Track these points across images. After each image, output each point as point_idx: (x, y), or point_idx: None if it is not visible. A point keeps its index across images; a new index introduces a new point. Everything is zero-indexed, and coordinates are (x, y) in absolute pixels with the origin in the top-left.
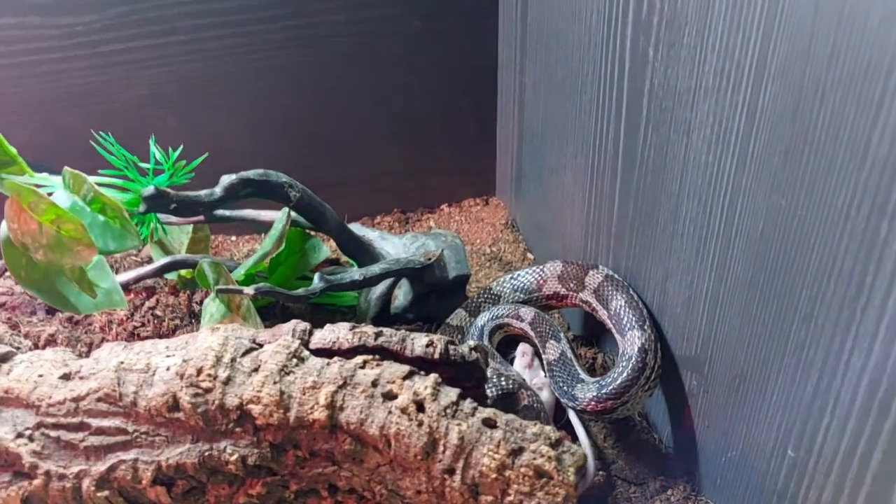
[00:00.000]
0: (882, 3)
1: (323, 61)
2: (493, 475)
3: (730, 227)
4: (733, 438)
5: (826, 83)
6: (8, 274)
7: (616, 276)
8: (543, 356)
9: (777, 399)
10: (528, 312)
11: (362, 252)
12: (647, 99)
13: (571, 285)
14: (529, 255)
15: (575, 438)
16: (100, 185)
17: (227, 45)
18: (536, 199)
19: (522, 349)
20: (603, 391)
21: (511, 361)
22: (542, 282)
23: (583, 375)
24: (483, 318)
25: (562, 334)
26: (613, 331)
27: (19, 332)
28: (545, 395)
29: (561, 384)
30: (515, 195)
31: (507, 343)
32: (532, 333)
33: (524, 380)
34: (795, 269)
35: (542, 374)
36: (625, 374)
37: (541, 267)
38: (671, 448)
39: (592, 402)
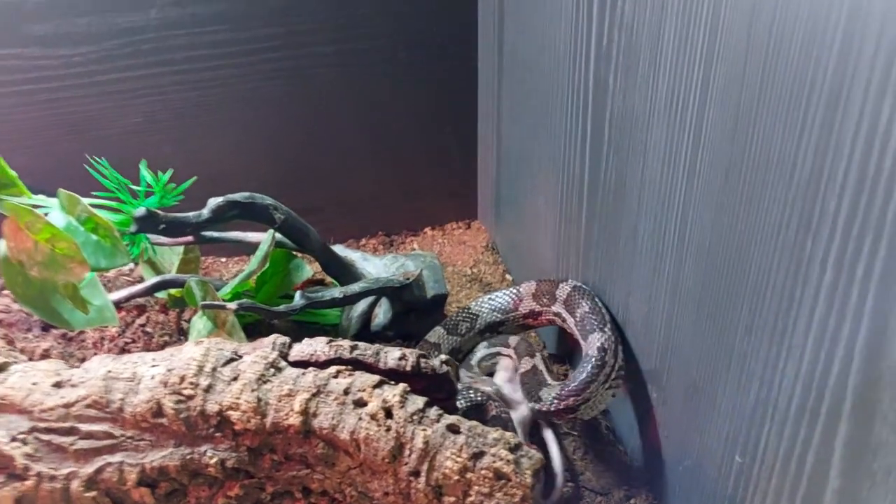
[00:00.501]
0: (801, 36)
1: (310, 91)
2: (456, 477)
3: (681, 245)
4: (689, 448)
5: (758, 108)
6: (5, 292)
7: (584, 286)
8: (519, 370)
9: (725, 408)
10: (514, 339)
11: (345, 272)
12: (608, 124)
13: (545, 300)
14: (508, 277)
15: (548, 452)
16: (93, 206)
17: (219, 76)
18: (514, 222)
19: (504, 364)
20: (565, 390)
21: (492, 374)
22: (517, 301)
23: (549, 381)
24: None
25: (537, 353)
26: (578, 337)
27: (15, 347)
28: (523, 410)
29: (529, 389)
30: (495, 219)
31: None
32: (513, 355)
33: (500, 393)
34: (737, 284)
35: (520, 390)
36: (585, 373)
37: (517, 287)
38: (635, 459)
39: (555, 401)
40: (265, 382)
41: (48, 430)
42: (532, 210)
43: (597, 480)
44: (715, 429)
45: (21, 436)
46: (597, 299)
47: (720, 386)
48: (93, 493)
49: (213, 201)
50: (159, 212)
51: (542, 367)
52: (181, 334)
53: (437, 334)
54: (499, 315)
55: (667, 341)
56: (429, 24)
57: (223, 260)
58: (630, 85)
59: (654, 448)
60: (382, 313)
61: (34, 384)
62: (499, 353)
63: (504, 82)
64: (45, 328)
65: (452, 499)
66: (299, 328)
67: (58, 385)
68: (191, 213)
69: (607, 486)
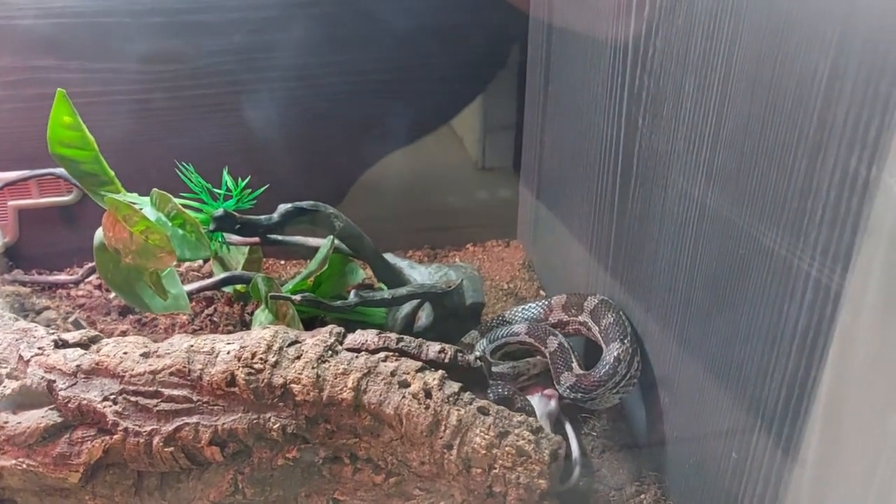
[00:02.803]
0: (793, 91)
1: (367, 114)
2: (483, 452)
3: (693, 267)
4: (694, 447)
5: (758, 152)
6: (88, 280)
7: (609, 300)
8: (546, 350)
9: (724, 409)
10: (521, 327)
11: (393, 278)
12: (636, 159)
13: (573, 311)
14: (542, 293)
15: (568, 446)
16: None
17: (293, 97)
18: (549, 243)
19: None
20: (578, 385)
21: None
22: (548, 311)
23: (574, 365)
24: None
25: (557, 332)
26: (602, 343)
27: (96, 328)
28: (552, 406)
29: (557, 368)
30: (533, 239)
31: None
32: (531, 340)
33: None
34: (738, 300)
35: (549, 386)
36: (597, 377)
37: (548, 299)
38: (647, 457)
39: (568, 390)
40: (324, 362)
41: (136, 393)
42: (566, 232)
43: (611, 476)
44: (716, 429)
45: (112, 396)
46: (621, 312)
47: (721, 390)
48: (171, 449)
49: (283, 207)
50: (235, 213)
51: (567, 345)
52: (244, 325)
53: (471, 336)
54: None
55: (679, 351)
56: (482, 65)
57: (282, 262)
58: (656, 126)
59: (664, 447)
60: (425, 316)
61: (125, 353)
62: (508, 343)
63: (547, 117)
64: (122, 313)
65: (479, 470)
66: (349, 326)
67: (145, 355)
68: (263, 217)
69: (620, 482)
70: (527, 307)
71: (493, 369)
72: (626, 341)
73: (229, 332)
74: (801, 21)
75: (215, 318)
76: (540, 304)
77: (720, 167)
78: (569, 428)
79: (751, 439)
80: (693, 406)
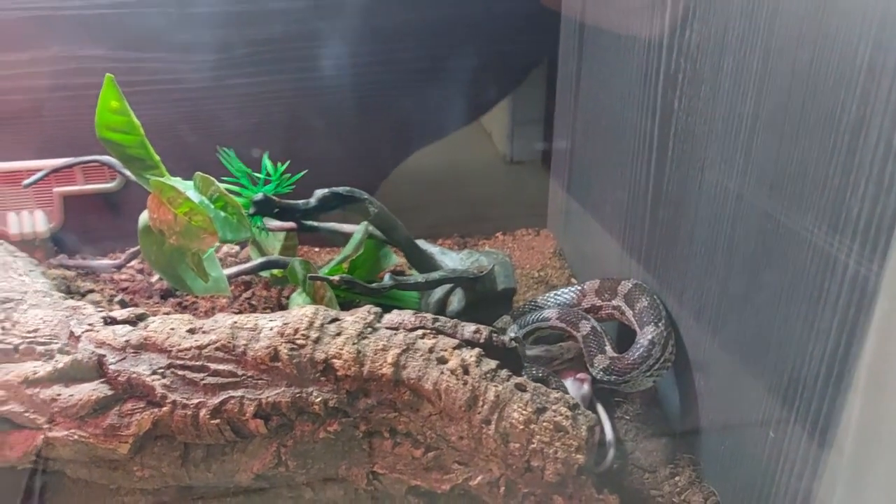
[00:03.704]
0: (835, 67)
1: (403, 104)
2: (521, 427)
3: (730, 250)
4: (730, 430)
5: (799, 131)
6: (130, 264)
7: (644, 284)
8: (579, 333)
9: (761, 392)
10: (552, 312)
11: (425, 263)
12: (672, 142)
13: (606, 296)
14: (573, 281)
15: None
16: None
17: (329, 85)
18: (581, 230)
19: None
20: (611, 367)
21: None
22: (581, 297)
23: (607, 348)
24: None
25: (589, 316)
26: (636, 326)
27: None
28: (585, 390)
29: (590, 350)
30: (564, 227)
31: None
32: (562, 324)
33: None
34: (776, 282)
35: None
36: (631, 360)
37: (582, 285)
38: (681, 440)
39: (602, 373)
40: (364, 338)
41: (183, 367)
42: (599, 218)
43: (645, 459)
44: (752, 411)
45: (160, 370)
46: (655, 296)
47: (758, 373)
48: (217, 421)
49: (320, 192)
50: (274, 198)
51: (599, 329)
52: (281, 309)
53: (503, 321)
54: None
55: (714, 335)
56: (513, 52)
57: (316, 249)
58: (692, 108)
59: (698, 430)
60: (457, 301)
61: (172, 329)
62: (539, 329)
63: (579, 106)
64: (164, 296)
65: (517, 445)
66: (383, 309)
67: (191, 331)
68: (300, 201)
69: (654, 465)
70: (560, 292)
71: (528, 353)
72: (660, 324)
73: None
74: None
75: (253, 302)
76: (573, 289)
77: (759, 147)
78: (602, 412)
79: (788, 421)
80: (729, 389)
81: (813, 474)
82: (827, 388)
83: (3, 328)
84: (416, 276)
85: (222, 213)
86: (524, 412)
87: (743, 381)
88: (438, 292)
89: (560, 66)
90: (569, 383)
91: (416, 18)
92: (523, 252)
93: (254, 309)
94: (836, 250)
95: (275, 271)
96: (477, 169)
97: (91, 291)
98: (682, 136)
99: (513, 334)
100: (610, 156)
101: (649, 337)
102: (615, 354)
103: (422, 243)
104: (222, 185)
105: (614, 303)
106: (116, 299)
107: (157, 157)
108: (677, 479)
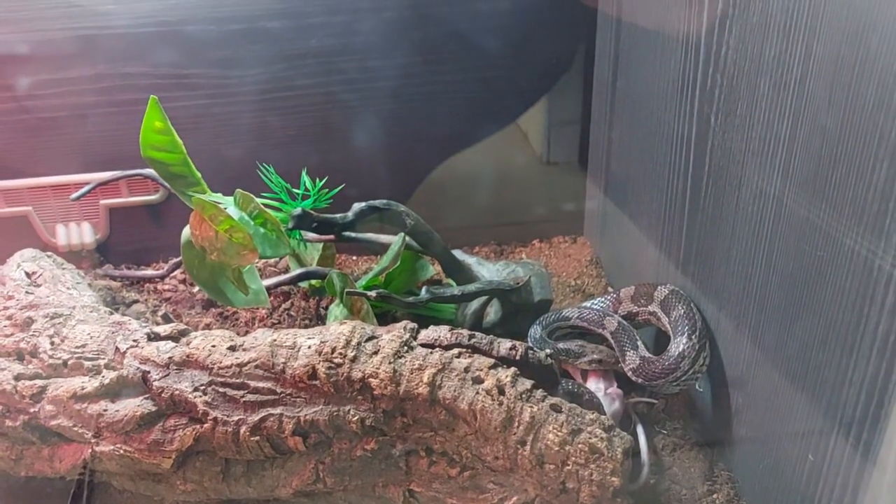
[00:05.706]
0: (874, 93)
1: (439, 114)
2: (556, 448)
3: (768, 267)
4: (769, 448)
5: (836, 155)
6: (173, 275)
7: (680, 290)
8: (605, 331)
9: (800, 413)
10: (572, 312)
11: (462, 274)
12: (708, 157)
13: (642, 301)
14: (610, 289)
15: (637, 444)
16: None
17: (365, 97)
18: (618, 239)
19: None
20: (640, 369)
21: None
22: (616, 304)
23: (639, 343)
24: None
25: (614, 314)
26: (671, 333)
27: (181, 320)
28: (616, 406)
29: (622, 346)
30: (601, 235)
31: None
32: (584, 323)
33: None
34: (815, 303)
35: (615, 383)
36: (659, 369)
37: (617, 292)
38: (720, 457)
39: (630, 372)
40: (400, 357)
41: (224, 384)
42: (636, 229)
43: (682, 475)
44: (792, 431)
45: (202, 387)
46: (692, 304)
47: (797, 393)
48: (257, 438)
49: (357, 206)
50: (313, 212)
51: (626, 324)
52: (319, 319)
53: (533, 330)
54: None
55: (753, 352)
56: (551, 59)
57: (354, 258)
58: (729, 125)
59: (737, 447)
60: (493, 312)
61: (213, 346)
62: (559, 328)
63: (615, 113)
64: (206, 306)
65: (552, 466)
66: (420, 321)
67: (232, 349)
68: (338, 215)
69: (691, 482)
70: (594, 302)
71: (559, 345)
72: (693, 337)
73: (306, 326)
74: (883, 21)
75: (292, 313)
76: (608, 297)
77: (797, 168)
78: (639, 427)
79: (828, 443)
80: (768, 407)
81: (853, 501)
82: (867, 413)
83: (53, 343)
84: (453, 289)
85: (262, 230)
86: (559, 433)
87: (782, 400)
88: (475, 304)
89: (596, 66)
90: (592, 383)
91: (450, 27)
92: (560, 260)
93: (293, 319)
94: (875, 275)
95: (313, 281)
96: (513, 170)
97: (136, 302)
98: (719, 151)
99: (549, 350)
100: (647, 165)
101: (680, 349)
102: (647, 355)
103: (458, 254)
104: (262, 201)
105: (650, 308)
106: (160, 313)
107: (199, 174)
108: (715, 496)
